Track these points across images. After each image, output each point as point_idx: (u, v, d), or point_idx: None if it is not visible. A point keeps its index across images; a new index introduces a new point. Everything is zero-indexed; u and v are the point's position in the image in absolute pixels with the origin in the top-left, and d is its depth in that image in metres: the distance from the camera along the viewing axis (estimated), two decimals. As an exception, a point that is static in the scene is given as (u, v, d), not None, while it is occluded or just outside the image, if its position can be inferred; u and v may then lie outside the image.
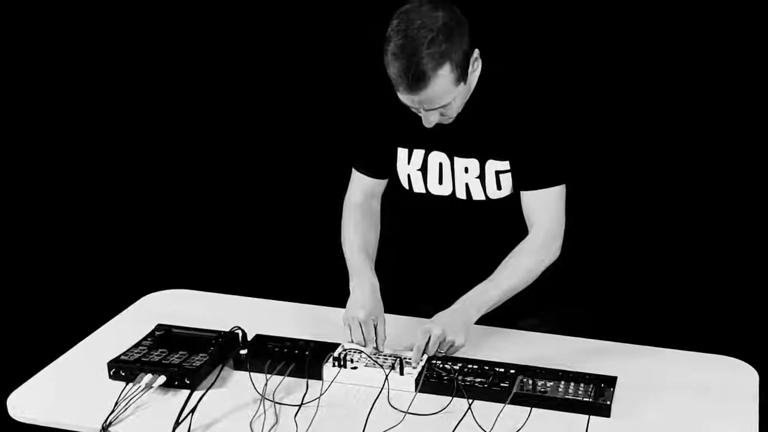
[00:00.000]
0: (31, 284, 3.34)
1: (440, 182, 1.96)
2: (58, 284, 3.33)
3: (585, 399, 1.69)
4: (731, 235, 2.87)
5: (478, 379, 1.75)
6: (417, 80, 1.70)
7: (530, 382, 1.74)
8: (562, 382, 1.74)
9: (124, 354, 1.83)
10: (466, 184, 1.93)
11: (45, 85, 3.22)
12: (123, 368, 1.78)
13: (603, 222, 2.86)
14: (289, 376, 1.79)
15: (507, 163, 1.90)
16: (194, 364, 1.78)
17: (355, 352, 1.85)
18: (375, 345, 1.87)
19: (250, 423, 1.67)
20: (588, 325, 2.09)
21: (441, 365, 1.80)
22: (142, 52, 3.12)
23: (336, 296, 2.01)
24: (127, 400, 1.71)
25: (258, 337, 1.93)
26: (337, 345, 1.88)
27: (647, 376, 1.82)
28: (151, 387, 1.74)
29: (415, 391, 1.75)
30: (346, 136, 2.15)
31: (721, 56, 2.68)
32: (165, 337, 1.91)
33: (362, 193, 2.07)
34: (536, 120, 1.87)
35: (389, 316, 1.94)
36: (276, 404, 1.72)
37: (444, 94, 1.75)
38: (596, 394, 1.71)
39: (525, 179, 1.91)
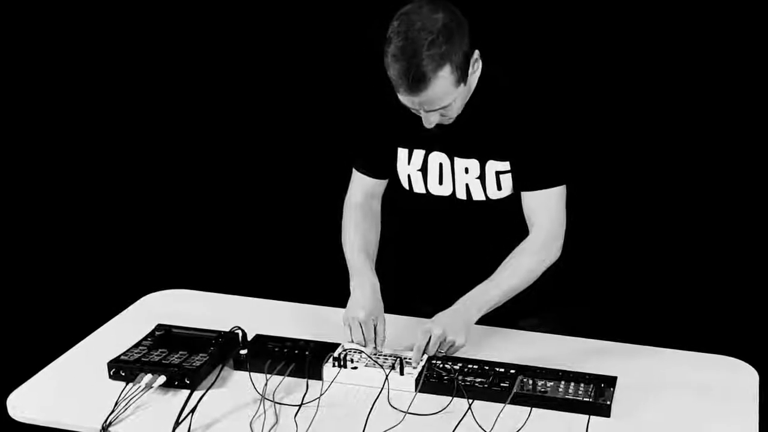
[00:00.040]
0: (31, 284, 3.34)
1: (440, 182, 1.96)
2: (58, 284, 3.33)
3: (585, 399, 1.69)
4: (731, 235, 2.87)
5: (478, 379, 1.75)
6: (417, 82, 1.70)
7: (530, 382, 1.74)
8: (562, 382, 1.74)
9: (124, 354, 1.83)
10: (467, 185, 1.93)
11: (45, 85, 3.22)
12: (123, 368, 1.78)
13: (603, 222, 2.86)
14: (289, 376, 1.79)
15: (507, 163, 1.90)
16: (194, 364, 1.78)
17: (355, 352, 1.85)
18: (375, 345, 1.87)
19: (250, 423, 1.67)
20: (588, 325, 2.09)
21: (441, 365, 1.80)
22: (142, 52, 3.12)
23: (336, 296, 2.01)
24: (127, 400, 1.71)
25: (258, 337, 1.93)
26: (337, 345, 1.88)
27: (647, 376, 1.82)
28: (151, 387, 1.74)
29: (415, 391, 1.75)
30: (347, 136, 2.15)
31: (721, 56, 2.68)
32: (165, 337, 1.91)
33: (363, 193, 2.07)
34: (536, 121, 1.87)
35: (389, 317, 1.94)
36: (276, 404, 1.72)
37: (444, 96, 1.75)
38: (596, 394, 1.71)
39: (525, 180, 1.91)
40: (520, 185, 1.92)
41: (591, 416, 1.68)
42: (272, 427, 1.66)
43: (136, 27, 3.10)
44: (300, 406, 1.71)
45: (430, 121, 1.81)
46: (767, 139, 2.76)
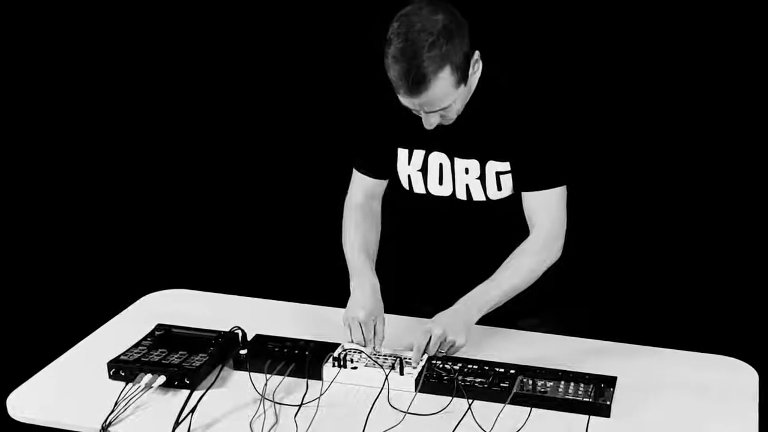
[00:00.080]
0: (31, 284, 3.34)
1: (440, 183, 1.96)
2: (58, 284, 3.33)
3: (585, 399, 1.69)
4: (731, 235, 2.87)
5: (478, 379, 1.75)
6: (417, 83, 1.70)
7: (530, 382, 1.74)
8: (562, 382, 1.74)
9: (123, 354, 1.83)
10: (467, 185, 1.93)
11: (45, 85, 3.22)
12: (123, 368, 1.78)
13: (603, 223, 2.86)
14: (289, 376, 1.79)
15: (507, 164, 1.90)
16: (194, 364, 1.78)
17: (355, 352, 1.85)
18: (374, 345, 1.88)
19: (250, 423, 1.67)
20: (588, 325, 2.09)
21: (441, 365, 1.80)
22: (142, 52, 3.12)
23: (336, 296, 2.01)
24: (126, 400, 1.71)
25: (258, 337, 1.93)
26: (337, 345, 1.88)
27: (647, 377, 1.82)
28: (151, 387, 1.74)
29: (415, 391, 1.75)
30: (347, 136, 2.15)
31: (721, 56, 2.68)
32: (165, 337, 1.91)
33: (363, 193, 2.07)
34: (537, 121, 1.87)
35: (390, 317, 1.94)
36: (276, 404, 1.72)
37: (444, 97, 1.75)
38: (596, 394, 1.71)
39: (526, 180, 1.91)
40: (520, 186, 1.92)
41: (591, 416, 1.68)
42: (272, 427, 1.66)
43: (136, 27, 3.10)
44: (300, 406, 1.71)
45: (430, 122, 1.81)
46: (767, 139, 2.76)
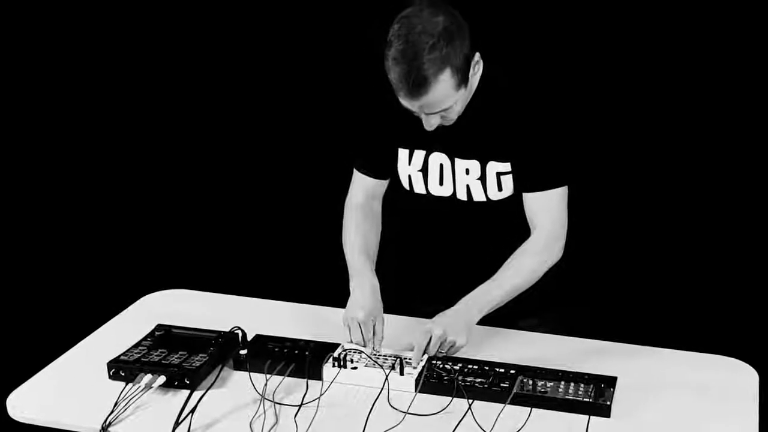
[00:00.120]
0: (31, 284, 3.34)
1: (441, 183, 1.96)
2: (58, 284, 3.33)
3: (585, 399, 1.69)
4: (731, 235, 2.87)
5: (479, 380, 1.75)
6: (418, 86, 1.70)
7: (530, 382, 1.74)
8: (562, 383, 1.74)
9: (123, 354, 1.83)
10: (467, 186, 1.93)
11: (45, 85, 3.22)
12: (123, 368, 1.78)
13: (604, 223, 2.86)
14: (289, 376, 1.79)
15: (508, 164, 1.90)
16: (194, 364, 1.78)
17: (355, 352, 1.85)
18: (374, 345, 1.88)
19: (250, 423, 1.67)
20: (588, 326, 2.09)
21: (441, 365, 1.79)
22: (142, 52, 3.12)
23: (336, 296, 2.01)
24: (126, 401, 1.71)
25: (258, 337, 1.93)
26: (337, 345, 1.88)
27: (647, 377, 1.82)
28: (151, 387, 1.74)
29: (415, 391, 1.75)
30: (347, 136, 2.14)
31: (721, 56, 2.68)
32: (165, 337, 1.91)
33: (363, 193, 2.07)
34: (537, 122, 1.87)
35: (390, 317, 1.94)
36: (276, 404, 1.72)
37: (445, 99, 1.75)
38: (596, 394, 1.71)
39: (527, 181, 1.91)
40: (521, 186, 1.92)
41: (591, 416, 1.68)
42: (272, 428, 1.66)
43: (136, 27, 3.10)
44: (300, 406, 1.71)
45: (430, 123, 1.81)
46: (767, 139, 2.76)
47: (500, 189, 1.92)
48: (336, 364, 1.81)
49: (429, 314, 1.88)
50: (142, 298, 2.21)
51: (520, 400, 1.71)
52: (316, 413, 1.69)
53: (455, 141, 1.91)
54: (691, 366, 1.88)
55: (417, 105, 1.76)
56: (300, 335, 1.95)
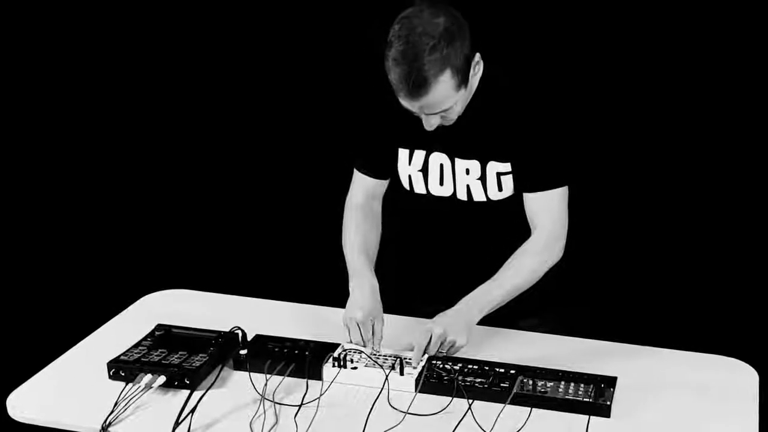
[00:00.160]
0: (31, 284, 3.34)
1: (441, 183, 1.96)
2: (58, 284, 3.33)
3: (585, 399, 1.69)
4: (731, 235, 2.87)
5: (479, 380, 1.75)
6: (418, 86, 1.70)
7: (530, 382, 1.74)
8: (562, 383, 1.74)
9: (123, 354, 1.83)
10: (467, 186, 1.93)
11: (45, 85, 3.22)
12: (123, 368, 1.78)
13: (603, 223, 2.86)
14: (289, 376, 1.79)
15: (508, 164, 1.90)
16: (194, 364, 1.78)
17: (355, 352, 1.85)
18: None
19: (250, 423, 1.67)
20: (588, 326, 2.09)
21: (441, 365, 1.79)
22: (142, 52, 3.12)
23: (336, 296, 2.01)
24: (126, 401, 1.71)
25: (258, 337, 1.93)
26: (337, 345, 1.88)
27: (647, 377, 1.82)
28: (151, 387, 1.74)
29: (415, 391, 1.75)
30: (348, 136, 2.14)
31: (721, 56, 2.68)
32: (165, 337, 1.91)
33: (364, 194, 2.07)
34: (538, 122, 1.87)
35: (390, 317, 1.94)
36: (276, 404, 1.71)
37: (445, 100, 1.75)
38: (596, 394, 1.71)
39: (527, 181, 1.91)
40: (522, 187, 1.92)
41: (591, 416, 1.68)
42: (272, 428, 1.66)
43: (136, 27, 3.10)
44: (300, 406, 1.71)
45: (430, 123, 1.81)
46: (767, 139, 2.76)
47: (500, 189, 1.92)
48: (336, 364, 1.81)
49: (429, 314, 1.88)
50: (142, 298, 2.21)
51: (520, 400, 1.71)
52: (316, 413, 1.69)
53: (455, 141, 1.91)
54: (691, 366, 1.88)
55: (417, 106, 1.76)
56: (300, 335, 1.94)
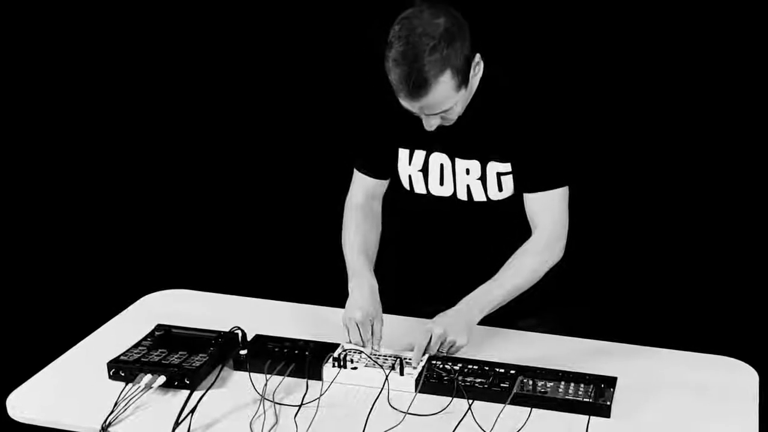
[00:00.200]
0: (31, 284, 3.34)
1: (441, 183, 1.96)
2: (58, 284, 3.33)
3: (585, 399, 1.69)
4: (731, 235, 2.87)
5: (479, 380, 1.75)
6: (418, 87, 1.70)
7: (530, 382, 1.74)
8: (562, 383, 1.74)
9: (123, 354, 1.83)
10: (467, 186, 1.93)
11: (45, 84, 3.22)
12: (123, 368, 1.78)
13: (604, 223, 2.86)
14: (288, 376, 1.79)
15: (508, 165, 1.90)
16: (194, 364, 1.78)
17: (355, 352, 1.85)
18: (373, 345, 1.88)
19: (250, 423, 1.67)
20: (588, 326, 2.09)
21: (441, 365, 1.79)
22: (142, 52, 3.12)
23: (336, 296, 2.01)
24: (126, 401, 1.71)
25: (258, 337, 1.93)
26: (337, 345, 1.88)
27: (647, 377, 1.82)
28: (151, 387, 1.74)
29: (415, 391, 1.75)
30: (348, 136, 2.14)
31: (721, 56, 2.68)
32: (165, 337, 1.91)
33: (364, 194, 2.07)
34: (538, 122, 1.87)
35: (390, 317, 1.94)
36: (276, 404, 1.71)
37: (445, 100, 1.75)
38: (596, 394, 1.71)
39: (527, 182, 1.91)
40: (522, 187, 1.92)
41: (591, 417, 1.68)
42: (272, 428, 1.66)
43: (136, 27, 3.10)
44: (300, 406, 1.70)
45: (430, 124, 1.81)
46: (767, 139, 2.76)
47: (501, 189, 1.92)
48: (336, 364, 1.80)
49: (429, 314, 1.88)
50: (142, 298, 2.21)
51: (520, 400, 1.71)
52: (316, 413, 1.69)
53: (456, 141, 1.91)
54: (691, 366, 1.88)
55: (417, 106, 1.76)
56: (300, 335, 1.94)
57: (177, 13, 3.04)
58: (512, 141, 1.87)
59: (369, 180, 2.06)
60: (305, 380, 1.77)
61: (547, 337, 2.00)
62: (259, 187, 3.19)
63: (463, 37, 1.73)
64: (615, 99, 2.79)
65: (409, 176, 1.98)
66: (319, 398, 1.72)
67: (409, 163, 1.97)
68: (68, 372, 1.88)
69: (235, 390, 1.78)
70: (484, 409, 1.69)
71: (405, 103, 1.77)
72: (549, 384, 1.74)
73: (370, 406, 1.68)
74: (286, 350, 1.86)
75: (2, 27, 3.15)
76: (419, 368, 1.79)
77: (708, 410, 1.72)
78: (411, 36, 1.69)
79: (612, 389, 1.73)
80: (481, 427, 1.63)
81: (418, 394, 1.74)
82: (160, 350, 1.84)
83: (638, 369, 1.85)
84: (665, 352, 1.94)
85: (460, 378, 1.75)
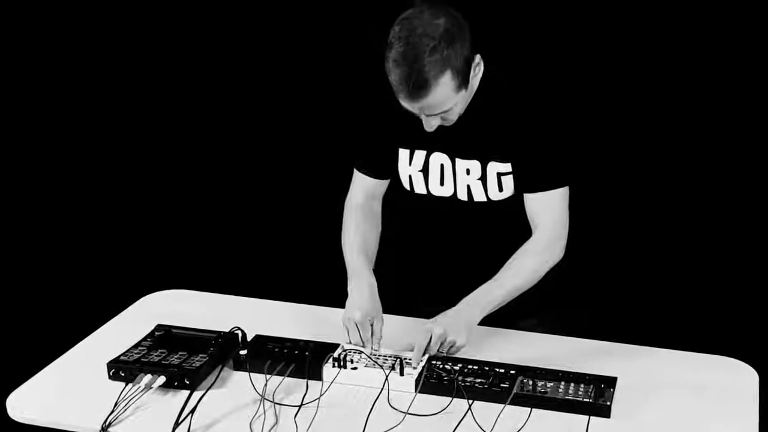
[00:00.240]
0: (31, 284, 3.34)
1: (441, 183, 1.96)
2: (58, 284, 3.33)
3: (585, 400, 1.69)
4: (731, 235, 2.87)
5: (479, 380, 1.75)
6: (418, 88, 1.70)
7: (530, 382, 1.74)
8: (562, 383, 1.74)
9: (123, 354, 1.83)
10: (468, 186, 1.93)
11: (45, 84, 3.22)
12: (123, 369, 1.78)
13: (603, 223, 2.86)
14: (288, 376, 1.79)
15: (509, 165, 1.90)
16: (194, 364, 1.78)
17: (354, 352, 1.85)
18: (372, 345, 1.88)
19: (250, 423, 1.67)
20: (588, 326, 2.09)
21: (441, 366, 1.79)
22: (142, 52, 3.12)
23: (336, 297, 2.01)
24: (126, 401, 1.71)
25: (258, 337, 1.93)
26: (336, 345, 1.88)
27: (647, 377, 1.82)
28: (151, 387, 1.74)
29: (415, 391, 1.75)
30: (348, 136, 2.14)
31: (721, 56, 2.68)
32: (165, 337, 1.91)
33: (363, 194, 2.07)
34: (538, 122, 1.87)
35: (390, 317, 1.94)
36: (276, 405, 1.71)
37: (445, 101, 1.75)
38: (596, 394, 1.71)
39: (528, 182, 1.91)
40: (522, 187, 1.92)
41: (591, 417, 1.68)
42: (272, 428, 1.66)
43: (136, 27, 3.10)
44: (300, 406, 1.71)
45: (431, 124, 1.81)
46: (767, 139, 2.75)
47: (501, 189, 1.92)
48: (336, 364, 1.80)
49: (430, 314, 1.88)
50: (142, 298, 2.21)
51: (520, 400, 1.71)
52: (316, 413, 1.69)
53: (456, 141, 1.91)
54: (691, 366, 1.88)
55: (417, 107, 1.76)
56: (300, 335, 1.94)
57: (177, 13, 3.04)
58: (512, 141, 1.87)
59: (369, 180, 2.06)
60: (305, 380, 1.77)
61: (547, 337, 2.00)
62: (259, 187, 3.19)
63: (464, 37, 1.73)
64: (615, 99, 2.79)
65: (410, 176, 1.98)
66: (319, 398, 1.72)
67: (410, 164, 1.97)
68: (68, 372, 1.88)
69: (235, 390, 1.78)
70: (484, 409, 1.69)
71: (405, 104, 1.77)
72: (549, 384, 1.74)
73: (370, 407, 1.68)
74: (286, 350, 1.86)
75: (2, 27, 3.15)
76: (419, 368, 1.79)
77: (708, 410, 1.72)
78: (411, 37, 1.69)
79: (612, 389, 1.72)
80: (481, 428, 1.63)
81: (418, 394, 1.74)
82: (160, 350, 1.84)
83: (638, 369, 1.85)
84: (665, 352, 1.94)
85: (460, 378, 1.75)
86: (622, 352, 1.93)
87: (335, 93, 2.91)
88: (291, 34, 2.99)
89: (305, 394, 1.73)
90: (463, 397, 1.71)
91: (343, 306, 1.92)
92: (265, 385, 1.75)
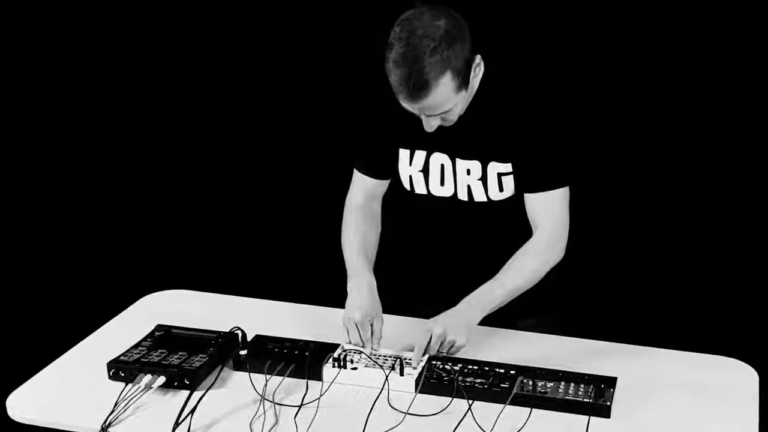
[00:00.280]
0: (31, 284, 3.34)
1: (442, 184, 1.96)
2: (58, 284, 3.33)
3: (585, 400, 1.69)
4: (731, 235, 2.87)
5: (479, 380, 1.75)
6: (418, 89, 1.70)
7: (530, 382, 1.74)
8: (562, 383, 1.74)
9: (123, 354, 1.83)
10: (468, 186, 1.93)
11: (45, 84, 3.22)
12: (122, 369, 1.78)
13: (603, 223, 2.86)
14: (288, 376, 1.79)
15: (509, 165, 1.90)
16: (194, 364, 1.78)
17: (355, 352, 1.85)
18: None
19: (250, 424, 1.67)
20: (588, 326, 2.08)
21: (441, 366, 1.79)
22: (142, 52, 3.12)
23: (336, 297, 2.01)
24: (126, 401, 1.71)
25: (258, 337, 1.93)
26: (336, 345, 1.88)
27: (647, 377, 1.82)
28: (151, 387, 1.74)
29: (415, 391, 1.75)
30: (348, 136, 2.14)
31: (721, 56, 2.68)
32: (165, 337, 1.91)
33: (363, 194, 2.07)
34: (538, 122, 1.87)
35: (390, 317, 1.94)
36: (276, 405, 1.72)
37: (445, 102, 1.75)
38: (596, 394, 1.71)
39: (528, 182, 1.91)
40: (522, 187, 1.92)
41: (591, 417, 1.68)
42: (272, 428, 1.66)
43: (136, 27, 3.10)
44: (300, 406, 1.71)
45: (431, 125, 1.81)
46: (767, 139, 2.75)
47: (501, 189, 1.92)
48: (336, 364, 1.80)
49: (430, 315, 1.88)
50: (142, 299, 2.21)
51: (520, 400, 1.71)
52: (316, 414, 1.69)
53: (456, 141, 1.91)
54: (690, 366, 1.88)
55: (417, 108, 1.76)
56: (300, 335, 1.94)
57: (177, 14, 3.04)
58: (513, 141, 1.87)
59: (369, 180, 2.06)
60: (305, 380, 1.77)
61: (546, 337, 2.00)
62: (259, 187, 3.19)
63: (464, 38, 1.73)
64: (615, 99, 2.79)
65: (410, 177, 1.98)
66: (319, 398, 1.73)
67: (410, 164, 1.97)
68: (68, 372, 1.88)
69: (235, 390, 1.78)
70: (484, 409, 1.69)
71: (405, 105, 1.77)
72: (549, 384, 1.74)
73: (370, 407, 1.68)
74: (286, 350, 1.86)
75: (2, 27, 3.15)
76: (419, 368, 1.79)
77: (708, 410, 1.72)
78: (411, 37, 1.69)
79: (612, 389, 1.73)
80: (481, 428, 1.63)
81: (418, 395, 1.74)
82: (160, 350, 1.84)
83: (638, 369, 1.85)
84: (665, 352, 1.94)
85: (460, 378, 1.75)
86: (622, 352, 1.94)
87: (336, 93, 2.91)
88: (291, 34, 2.99)
89: (305, 395, 1.73)
90: (463, 397, 1.71)
91: (343, 306, 1.92)
92: (265, 385, 1.75)
